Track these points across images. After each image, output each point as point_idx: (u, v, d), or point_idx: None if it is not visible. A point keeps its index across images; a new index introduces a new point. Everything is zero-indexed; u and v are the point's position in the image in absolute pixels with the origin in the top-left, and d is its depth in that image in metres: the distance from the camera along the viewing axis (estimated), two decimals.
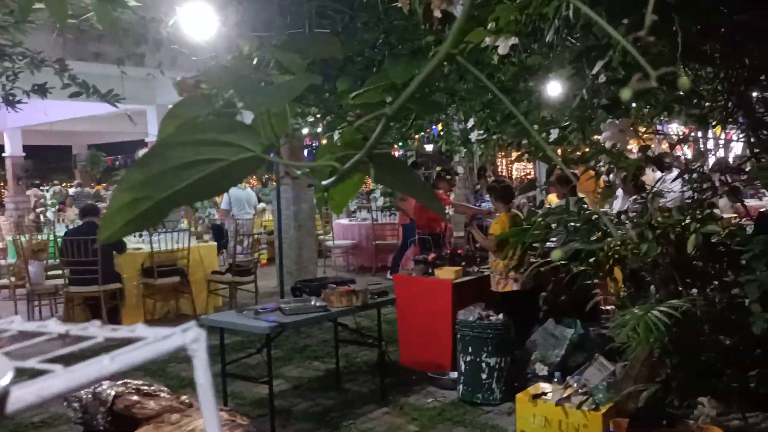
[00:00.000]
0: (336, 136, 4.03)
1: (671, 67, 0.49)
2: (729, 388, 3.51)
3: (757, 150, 3.85)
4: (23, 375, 0.43)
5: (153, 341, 0.45)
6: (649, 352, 3.70)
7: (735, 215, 5.71)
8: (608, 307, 4.46)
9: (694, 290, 3.70)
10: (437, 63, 0.57)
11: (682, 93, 3.20)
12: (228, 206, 10.94)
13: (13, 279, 8.31)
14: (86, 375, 0.41)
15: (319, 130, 5.25)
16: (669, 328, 3.43)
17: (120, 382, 3.29)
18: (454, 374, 5.10)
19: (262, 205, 12.76)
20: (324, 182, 0.73)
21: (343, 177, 0.69)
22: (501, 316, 4.81)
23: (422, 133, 8.47)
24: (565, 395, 3.90)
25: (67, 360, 0.42)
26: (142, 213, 0.69)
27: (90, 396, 3.27)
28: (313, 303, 4.48)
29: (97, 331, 0.51)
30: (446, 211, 8.45)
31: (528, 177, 12.36)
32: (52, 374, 0.41)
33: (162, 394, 3.22)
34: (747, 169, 3.81)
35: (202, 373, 0.45)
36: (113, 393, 3.15)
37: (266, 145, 0.68)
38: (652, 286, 3.85)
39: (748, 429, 3.34)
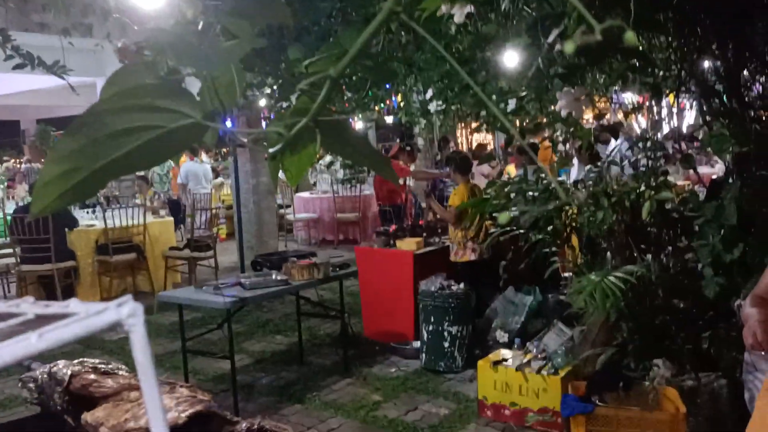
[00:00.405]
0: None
1: (617, 21, 0.48)
2: (683, 350, 3.64)
3: (708, 118, 3.94)
4: None
5: (85, 317, 0.42)
6: (606, 317, 3.79)
7: (688, 182, 5.86)
8: (566, 275, 4.55)
9: (649, 256, 3.80)
10: (381, 20, 0.55)
11: (635, 62, 3.24)
12: (184, 180, 10.74)
13: None
14: (12, 353, 0.38)
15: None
16: (624, 294, 3.52)
17: (76, 361, 3.21)
18: (417, 344, 5.15)
19: (219, 179, 12.56)
20: (272, 149, 0.71)
21: (290, 144, 0.66)
22: (462, 285, 4.86)
23: (382, 105, 8.41)
24: (525, 361, 3.99)
25: None
26: (76, 184, 0.65)
27: (45, 376, 3.19)
28: (274, 277, 4.44)
29: (28, 307, 0.48)
30: (407, 183, 8.46)
31: (482, 145, 12.38)
32: None
33: (120, 372, 3.16)
34: (699, 137, 3.90)
35: (141, 349, 0.42)
36: (69, 372, 3.08)
37: (208, 112, 0.65)
38: (608, 253, 3.94)
39: (700, 388, 3.46)
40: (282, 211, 10.79)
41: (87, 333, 0.41)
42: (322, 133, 0.72)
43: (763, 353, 1.91)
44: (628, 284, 3.51)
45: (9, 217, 7.38)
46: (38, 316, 0.45)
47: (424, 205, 9.41)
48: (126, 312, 0.43)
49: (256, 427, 2.15)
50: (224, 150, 12.93)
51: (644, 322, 3.86)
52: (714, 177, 5.32)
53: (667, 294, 3.80)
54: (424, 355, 4.95)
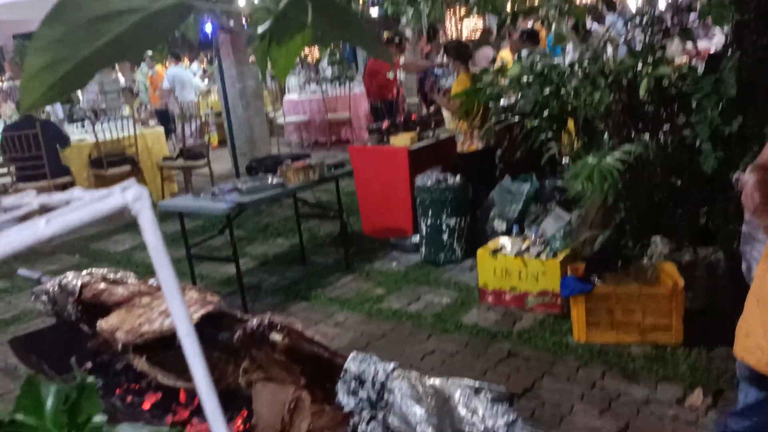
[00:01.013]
0: None
1: None
2: (680, 226, 3.70)
3: None
4: None
5: (91, 202, 0.41)
6: (603, 199, 3.82)
7: (685, 60, 5.71)
8: (563, 160, 4.54)
9: (646, 135, 3.77)
10: None
11: None
12: (170, 85, 10.46)
13: None
14: (21, 239, 0.37)
15: None
16: (622, 174, 3.53)
17: (85, 272, 3.26)
18: (416, 238, 5.22)
19: (206, 84, 12.25)
20: (260, 29, 0.67)
21: (279, 22, 0.62)
22: (458, 178, 4.86)
23: None
24: (523, 247, 4.06)
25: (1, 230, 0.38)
26: (64, 76, 0.62)
27: (57, 288, 3.25)
28: (270, 181, 4.42)
29: (31, 199, 0.46)
30: (399, 77, 8.26)
31: (488, 31, 11.94)
32: None
33: (129, 280, 3.23)
34: (698, 8, 3.77)
35: (151, 232, 0.41)
36: (79, 283, 3.14)
37: None
38: (605, 135, 3.91)
39: (698, 262, 3.55)
40: (272, 115, 10.62)
41: (93, 218, 0.40)
42: (314, 8, 0.67)
43: (760, 223, 1.93)
44: (625, 165, 3.51)
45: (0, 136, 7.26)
46: (42, 205, 0.44)
47: (416, 99, 9.25)
48: (131, 196, 0.41)
49: (266, 322, 2.21)
50: (209, 54, 12.54)
51: (642, 202, 3.91)
52: (712, 52, 5.20)
53: (664, 172, 3.81)
54: (423, 248, 5.04)
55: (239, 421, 2.59)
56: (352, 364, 2.06)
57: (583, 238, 3.98)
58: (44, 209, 0.47)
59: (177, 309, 0.42)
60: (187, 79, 10.59)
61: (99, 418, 0.45)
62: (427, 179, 4.88)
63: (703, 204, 3.67)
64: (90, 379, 0.47)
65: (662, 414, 2.86)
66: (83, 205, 0.40)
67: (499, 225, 4.68)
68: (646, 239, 3.85)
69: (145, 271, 5.32)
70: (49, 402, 0.44)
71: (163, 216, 6.79)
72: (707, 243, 3.66)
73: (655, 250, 3.81)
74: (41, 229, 0.38)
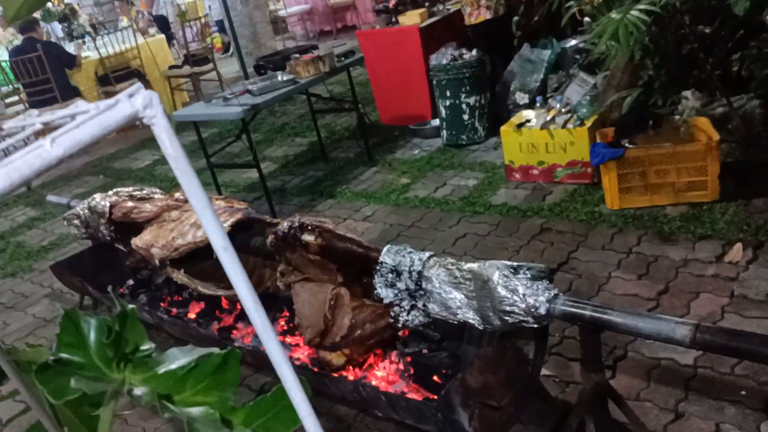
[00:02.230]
0: None
1: None
2: (712, 77, 3.52)
3: None
4: None
5: (97, 114, 0.35)
6: (629, 57, 3.63)
7: None
8: (584, 20, 4.29)
9: None
10: None
11: None
12: None
13: None
14: (28, 165, 0.32)
15: None
16: (648, 28, 3.32)
17: (111, 192, 3.27)
18: (436, 122, 5.10)
19: None
20: None
21: None
22: (474, 52, 4.65)
23: None
24: (548, 118, 3.93)
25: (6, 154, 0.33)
26: None
27: (87, 211, 3.28)
28: (280, 78, 4.28)
29: (33, 119, 0.41)
30: None
31: None
32: None
33: (156, 196, 3.23)
34: None
35: (168, 140, 0.36)
36: (108, 203, 3.15)
37: None
38: None
39: (732, 113, 3.41)
40: (272, 8, 10.20)
41: (103, 131, 0.34)
42: None
43: None
44: (651, 16, 3.29)
45: (5, 64, 7.13)
46: (46, 124, 0.38)
47: None
48: (141, 102, 0.35)
49: (296, 224, 2.19)
50: None
51: (670, 55, 3.70)
52: None
53: (693, 20, 3.58)
54: (444, 131, 4.93)
55: (282, 322, 2.65)
56: (387, 256, 2.05)
57: (611, 101, 3.83)
58: (49, 130, 0.42)
59: (207, 219, 0.37)
60: None
61: (146, 346, 0.42)
62: (441, 57, 4.68)
63: (735, 50, 3.47)
64: (130, 306, 0.43)
65: (702, 273, 2.86)
66: (89, 119, 0.34)
67: (521, 98, 4.53)
68: (677, 95, 3.69)
69: (169, 185, 5.34)
70: (92, 336, 0.40)
71: (178, 127, 6.74)
72: (741, 92, 3.49)
73: (686, 106, 3.67)
74: (48, 150, 0.32)
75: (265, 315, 0.40)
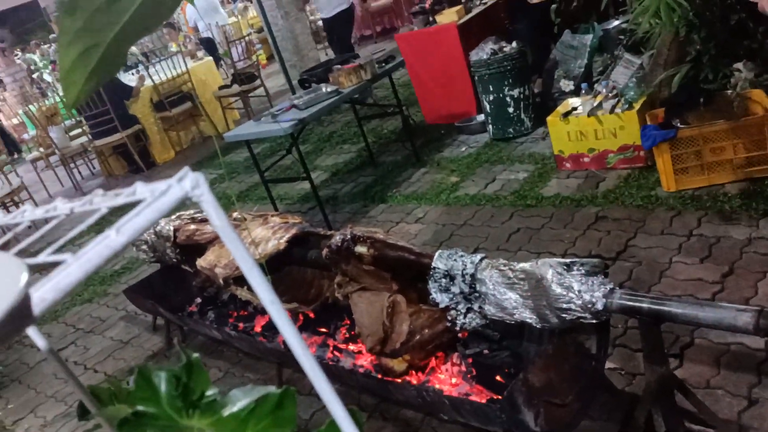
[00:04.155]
0: None
1: None
2: (764, 46, 3.39)
3: None
4: (36, 271, 0.41)
5: (152, 201, 0.41)
6: (675, 33, 3.54)
7: None
8: None
9: None
10: None
11: None
12: (194, 22, 10.23)
13: (42, 150, 8.43)
14: (99, 255, 0.37)
15: None
16: (691, 0, 3.24)
17: (174, 216, 3.42)
18: (481, 117, 5.09)
19: (241, 2, 12.01)
20: None
21: None
22: (514, 44, 4.62)
23: None
24: (595, 104, 3.88)
25: (79, 240, 0.39)
26: (98, 62, 0.61)
27: (153, 236, 3.44)
28: (324, 90, 4.37)
29: (99, 201, 0.47)
30: None
31: None
32: (64, 265, 0.38)
33: None
34: None
35: (215, 215, 0.41)
36: (172, 228, 3.30)
37: None
38: None
39: None
40: (311, 18, 10.35)
41: (159, 215, 0.40)
42: None
43: None
44: None
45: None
46: (110, 208, 0.44)
47: None
48: (189, 185, 0.40)
49: (348, 236, 2.25)
50: None
51: (718, 27, 3.59)
52: None
53: None
54: (490, 126, 4.91)
55: (344, 331, 2.72)
56: (439, 261, 2.09)
57: (659, 81, 3.73)
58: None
59: (253, 277, 0.42)
60: (210, 7, 10.37)
61: (211, 392, 0.47)
62: (481, 52, 4.67)
63: None
64: (195, 356, 0.49)
65: None
66: (147, 205, 0.40)
67: (566, 85, 4.47)
68: (728, 68, 3.57)
69: (227, 201, 5.51)
70: (163, 387, 0.46)
71: (231, 145, 6.95)
72: None
73: (739, 78, 3.53)
74: (114, 239, 0.38)
75: (317, 363, 0.45)
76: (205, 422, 0.45)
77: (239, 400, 0.49)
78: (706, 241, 2.95)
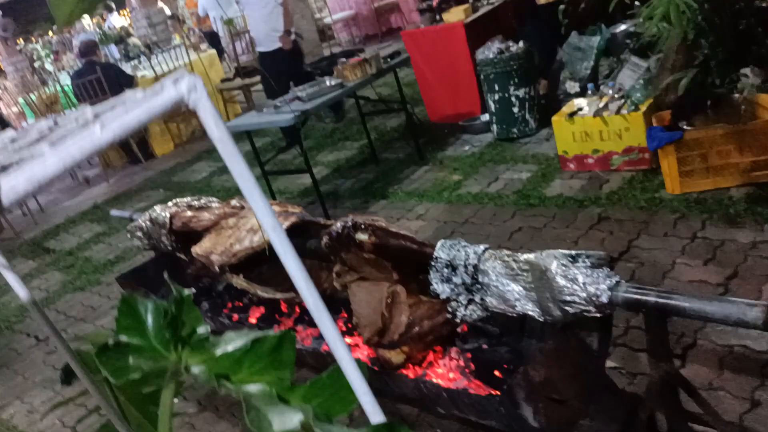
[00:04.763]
0: None
1: None
2: None
3: None
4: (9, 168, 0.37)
5: (143, 100, 0.36)
6: (683, 37, 3.51)
7: None
8: (634, 3, 4.17)
9: None
10: None
11: None
12: (204, 11, 10.19)
13: None
14: (79, 149, 0.33)
15: None
16: (701, 5, 3.21)
17: (170, 203, 3.37)
18: (485, 117, 5.05)
19: None
20: None
21: None
22: (521, 44, 4.59)
23: None
24: (601, 105, 3.84)
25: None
26: None
27: (148, 222, 3.38)
28: (328, 83, 4.33)
29: (86, 111, 0.42)
30: None
31: None
32: (40, 156, 0.33)
33: (213, 205, 3.31)
34: None
35: (213, 122, 0.36)
36: (168, 214, 3.25)
37: None
38: None
39: None
40: (317, 16, 10.32)
41: (150, 116, 0.36)
42: None
43: None
44: None
45: (68, 88, 7.48)
46: (97, 114, 0.40)
47: None
48: (185, 87, 0.36)
49: (350, 223, 2.21)
50: None
51: (726, 32, 3.56)
52: None
53: None
54: (494, 126, 4.87)
55: (341, 323, 2.67)
56: (442, 251, 2.04)
57: (665, 84, 3.70)
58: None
59: (256, 201, 0.37)
60: None
61: (202, 330, 0.43)
62: (487, 51, 4.64)
63: None
64: (186, 292, 0.45)
65: None
66: (136, 105, 0.36)
67: (572, 86, 4.44)
68: (735, 73, 3.54)
69: (226, 194, 5.47)
70: (149, 319, 0.42)
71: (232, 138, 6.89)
72: None
73: (746, 83, 3.51)
74: (98, 134, 0.34)
75: (317, 292, 0.41)
76: (195, 359, 0.41)
77: (233, 341, 0.44)
78: (710, 244, 2.91)
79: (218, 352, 0.41)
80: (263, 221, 0.38)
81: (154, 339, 0.40)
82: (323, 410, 0.45)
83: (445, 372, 2.26)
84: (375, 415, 0.45)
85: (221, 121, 0.36)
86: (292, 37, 5.85)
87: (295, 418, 0.37)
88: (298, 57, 5.98)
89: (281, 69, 5.75)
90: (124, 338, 0.40)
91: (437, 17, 5.27)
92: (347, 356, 0.43)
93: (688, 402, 1.86)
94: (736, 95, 3.39)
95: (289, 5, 5.83)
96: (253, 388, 0.40)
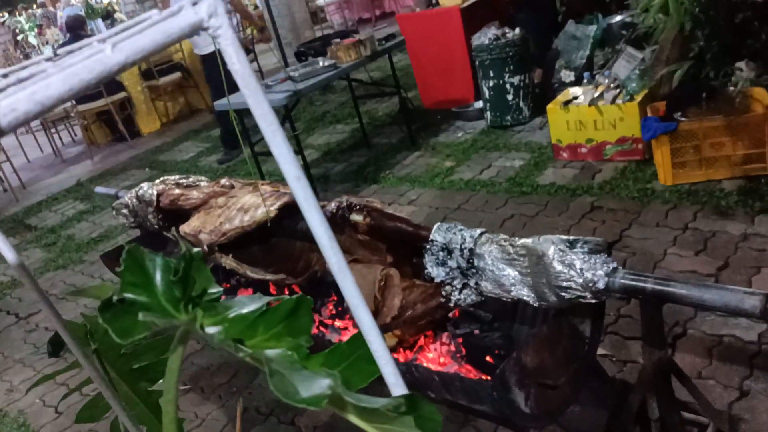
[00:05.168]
0: None
1: None
2: (766, 45, 3.36)
3: None
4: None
5: (160, 20, 0.32)
6: (679, 29, 3.49)
7: None
8: None
9: None
10: None
11: None
12: None
13: None
14: (88, 70, 0.29)
15: None
16: None
17: (158, 180, 3.31)
18: (479, 103, 5.02)
19: None
20: None
21: None
22: (517, 30, 4.55)
23: None
24: (596, 94, 3.82)
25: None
26: None
27: (135, 200, 3.32)
28: (321, 64, 4.27)
29: (102, 35, 0.38)
30: None
31: None
32: (44, 74, 0.29)
33: (201, 183, 3.25)
34: None
35: (234, 54, 0.32)
36: (155, 192, 3.18)
37: None
38: None
39: None
40: None
41: (166, 38, 0.32)
42: None
43: None
44: None
45: None
46: (109, 37, 0.36)
47: None
48: (205, 11, 0.32)
49: (344, 204, 2.17)
50: None
51: (722, 25, 3.55)
52: None
53: None
54: (488, 113, 4.84)
55: (330, 306, 2.64)
56: (438, 234, 2.01)
57: (660, 75, 3.69)
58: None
59: (277, 143, 0.33)
60: None
61: (214, 290, 0.39)
62: (483, 37, 4.59)
63: None
64: (195, 249, 0.41)
65: (763, 247, 2.73)
66: (151, 24, 0.31)
67: (567, 75, 4.41)
68: (730, 66, 3.54)
69: (214, 175, 5.40)
70: (158, 276, 0.38)
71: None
72: None
73: (740, 77, 3.50)
74: (108, 55, 0.30)
75: (341, 253, 0.37)
76: (208, 321, 0.37)
77: (246, 305, 0.41)
78: (702, 235, 2.91)
79: (231, 314, 0.38)
80: (285, 170, 0.34)
81: (164, 297, 0.37)
82: (342, 380, 0.42)
83: (436, 357, 2.24)
84: (398, 387, 0.42)
85: (243, 53, 0.32)
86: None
87: (323, 383, 0.33)
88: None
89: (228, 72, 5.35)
90: (129, 295, 0.36)
91: (433, 1, 5.22)
92: (371, 323, 0.39)
93: (678, 390, 1.86)
94: (731, 88, 3.38)
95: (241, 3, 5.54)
96: (272, 353, 0.36)
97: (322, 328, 2.63)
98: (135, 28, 0.32)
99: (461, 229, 2.01)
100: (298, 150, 4.12)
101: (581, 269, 1.74)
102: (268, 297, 0.41)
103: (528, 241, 1.88)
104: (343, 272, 0.36)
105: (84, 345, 0.66)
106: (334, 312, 2.67)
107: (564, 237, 1.83)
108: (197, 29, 0.33)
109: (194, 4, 0.33)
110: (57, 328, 0.60)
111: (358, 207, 2.12)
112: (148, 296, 0.37)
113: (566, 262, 1.76)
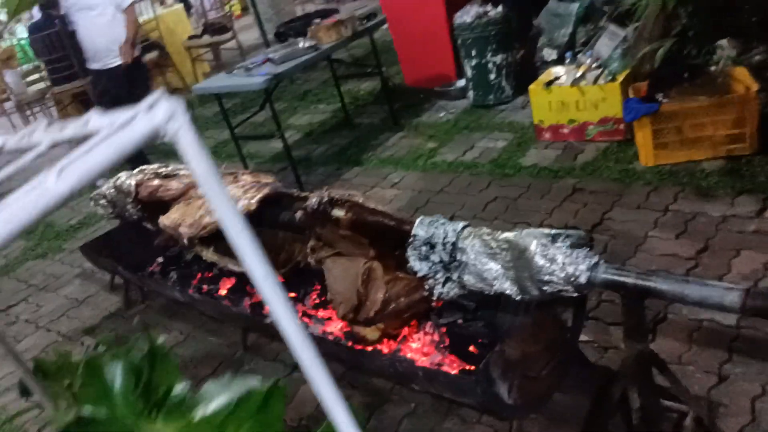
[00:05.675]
0: None
1: None
2: (749, 24, 3.35)
3: None
4: None
5: (110, 134, 0.30)
6: (662, 7, 3.47)
7: None
8: None
9: None
10: None
11: None
12: None
13: None
14: (31, 208, 0.27)
15: None
16: None
17: (136, 170, 3.25)
18: (462, 82, 4.98)
19: None
20: None
21: None
22: (500, 8, 4.49)
23: None
24: (578, 74, 3.80)
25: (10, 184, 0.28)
26: None
27: (113, 190, 3.26)
28: (301, 45, 4.20)
29: (41, 136, 0.36)
30: None
31: None
32: None
33: (182, 173, 3.20)
34: None
35: (196, 158, 0.30)
36: (134, 182, 3.13)
37: None
38: None
39: None
40: None
41: (118, 155, 0.29)
42: None
43: None
44: None
45: (25, 42, 7.14)
46: (54, 145, 0.33)
47: None
48: (162, 116, 0.29)
49: (326, 199, 2.15)
50: None
51: (704, 3, 3.53)
52: None
53: None
54: (471, 92, 4.81)
55: (314, 296, 2.64)
56: (420, 228, 2.00)
57: (642, 54, 3.67)
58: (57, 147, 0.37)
59: (254, 268, 0.32)
60: None
61: (180, 388, 0.37)
62: (465, 15, 4.54)
63: None
64: (160, 340, 0.39)
65: (742, 229, 2.76)
66: (102, 140, 0.29)
67: (549, 54, 4.38)
68: (711, 44, 3.53)
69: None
70: (117, 383, 0.36)
71: (200, 99, 6.70)
72: None
73: (722, 55, 3.50)
74: (51, 189, 0.27)
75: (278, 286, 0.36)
76: (171, 427, 0.36)
77: (215, 398, 0.39)
78: (683, 217, 2.92)
79: (197, 415, 0.36)
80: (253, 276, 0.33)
81: (124, 408, 0.35)
82: None
83: (420, 347, 2.25)
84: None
85: (206, 155, 0.30)
86: (137, 51, 4.81)
87: None
88: (142, 75, 4.90)
89: (121, 91, 4.64)
90: (87, 411, 0.34)
91: None
92: (344, 414, 0.38)
93: (658, 377, 1.88)
94: (713, 67, 3.38)
95: (134, 11, 4.79)
96: None
97: (305, 319, 2.63)
98: (84, 146, 0.29)
99: (443, 223, 2.00)
100: (280, 135, 4.06)
101: (563, 264, 1.74)
102: (237, 382, 0.40)
103: (510, 235, 1.88)
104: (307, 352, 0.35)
105: (54, 380, 0.64)
106: (317, 302, 2.67)
107: (546, 231, 1.83)
108: (155, 137, 0.30)
109: (150, 107, 0.31)
110: (22, 376, 0.59)
111: (339, 202, 2.11)
112: (109, 409, 0.35)
113: (548, 256, 1.76)
